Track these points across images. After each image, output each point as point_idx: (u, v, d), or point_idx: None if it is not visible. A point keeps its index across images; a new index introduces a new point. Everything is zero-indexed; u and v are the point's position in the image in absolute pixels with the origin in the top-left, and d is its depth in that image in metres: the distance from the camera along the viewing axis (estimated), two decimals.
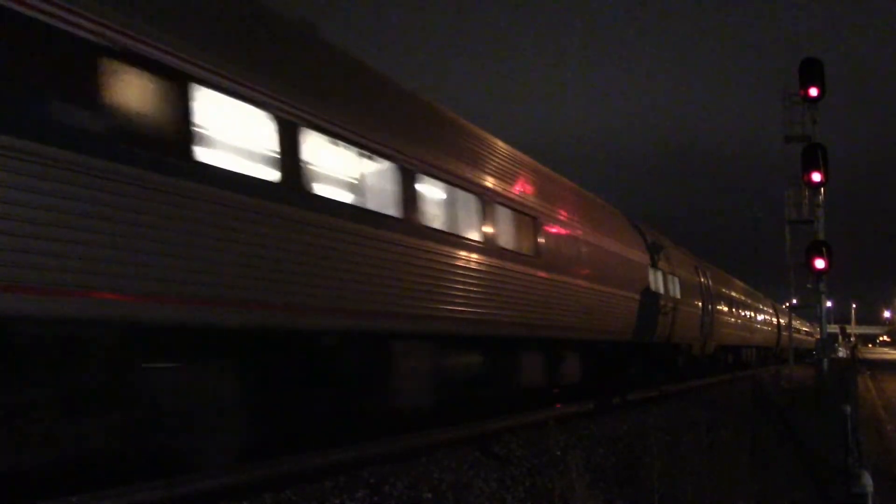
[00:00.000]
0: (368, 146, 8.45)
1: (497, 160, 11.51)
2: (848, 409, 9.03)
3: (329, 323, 7.76)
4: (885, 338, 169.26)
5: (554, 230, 12.76)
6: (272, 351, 7.41)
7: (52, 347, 5.50)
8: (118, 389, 5.90)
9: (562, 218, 13.22)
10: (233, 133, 6.83)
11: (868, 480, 6.39)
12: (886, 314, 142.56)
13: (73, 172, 5.29)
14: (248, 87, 6.85)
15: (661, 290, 18.88)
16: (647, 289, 17.63)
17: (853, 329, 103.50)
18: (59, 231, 5.21)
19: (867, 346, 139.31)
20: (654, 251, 18.89)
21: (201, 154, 6.32)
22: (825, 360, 19.95)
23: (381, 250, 8.38)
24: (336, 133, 7.97)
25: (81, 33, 5.46)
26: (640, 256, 17.65)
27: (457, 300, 9.77)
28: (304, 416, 7.88)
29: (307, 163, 7.46)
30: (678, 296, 20.41)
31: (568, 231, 13.35)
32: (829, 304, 23.66)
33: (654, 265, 18.52)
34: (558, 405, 14.09)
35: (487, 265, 10.49)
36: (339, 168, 8.15)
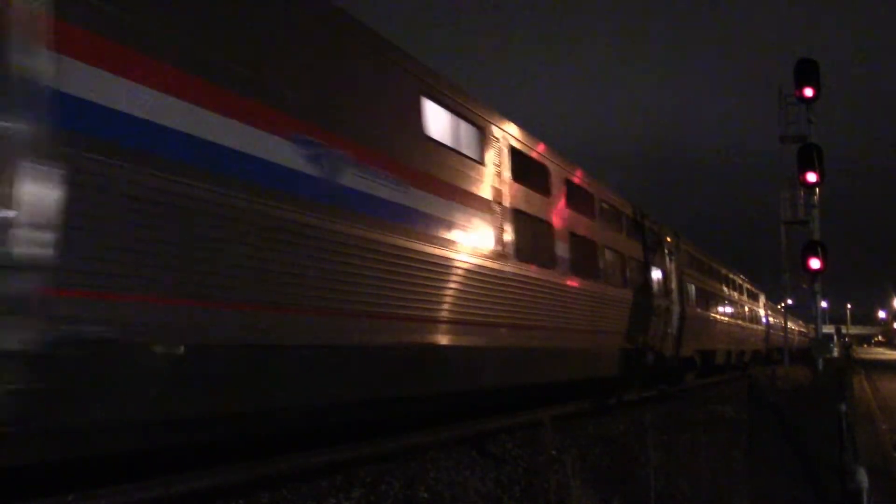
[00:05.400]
0: None
1: None
2: (843, 407, 9.05)
3: None
4: (881, 338, 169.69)
5: None
6: None
7: None
8: None
9: None
10: None
11: (863, 477, 6.42)
12: (881, 314, 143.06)
13: None
14: None
15: None
16: None
17: (848, 329, 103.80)
18: None
19: (863, 346, 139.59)
20: None
21: None
22: (820, 359, 20.02)
23: None
24: None
25: None
26: None
27: None
28: None
29: None
30: None
31: None
32: (824, 304, 23.72)
33: None
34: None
35: None
36: None
